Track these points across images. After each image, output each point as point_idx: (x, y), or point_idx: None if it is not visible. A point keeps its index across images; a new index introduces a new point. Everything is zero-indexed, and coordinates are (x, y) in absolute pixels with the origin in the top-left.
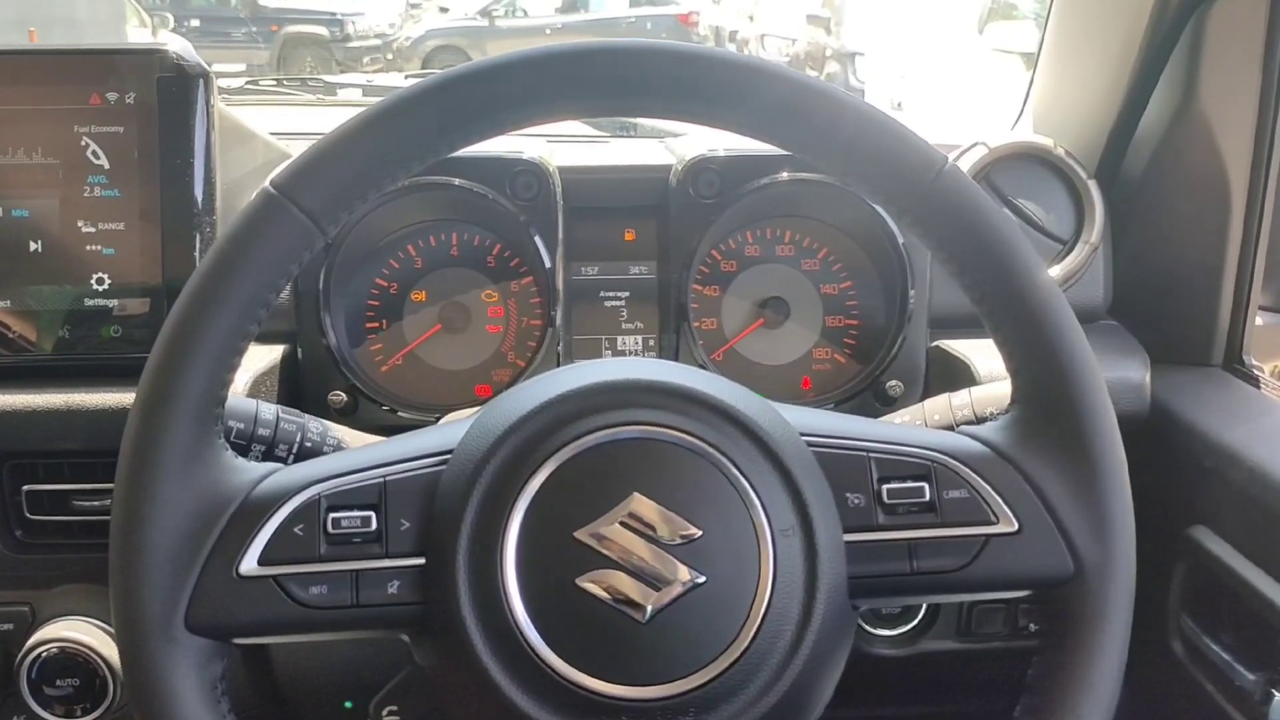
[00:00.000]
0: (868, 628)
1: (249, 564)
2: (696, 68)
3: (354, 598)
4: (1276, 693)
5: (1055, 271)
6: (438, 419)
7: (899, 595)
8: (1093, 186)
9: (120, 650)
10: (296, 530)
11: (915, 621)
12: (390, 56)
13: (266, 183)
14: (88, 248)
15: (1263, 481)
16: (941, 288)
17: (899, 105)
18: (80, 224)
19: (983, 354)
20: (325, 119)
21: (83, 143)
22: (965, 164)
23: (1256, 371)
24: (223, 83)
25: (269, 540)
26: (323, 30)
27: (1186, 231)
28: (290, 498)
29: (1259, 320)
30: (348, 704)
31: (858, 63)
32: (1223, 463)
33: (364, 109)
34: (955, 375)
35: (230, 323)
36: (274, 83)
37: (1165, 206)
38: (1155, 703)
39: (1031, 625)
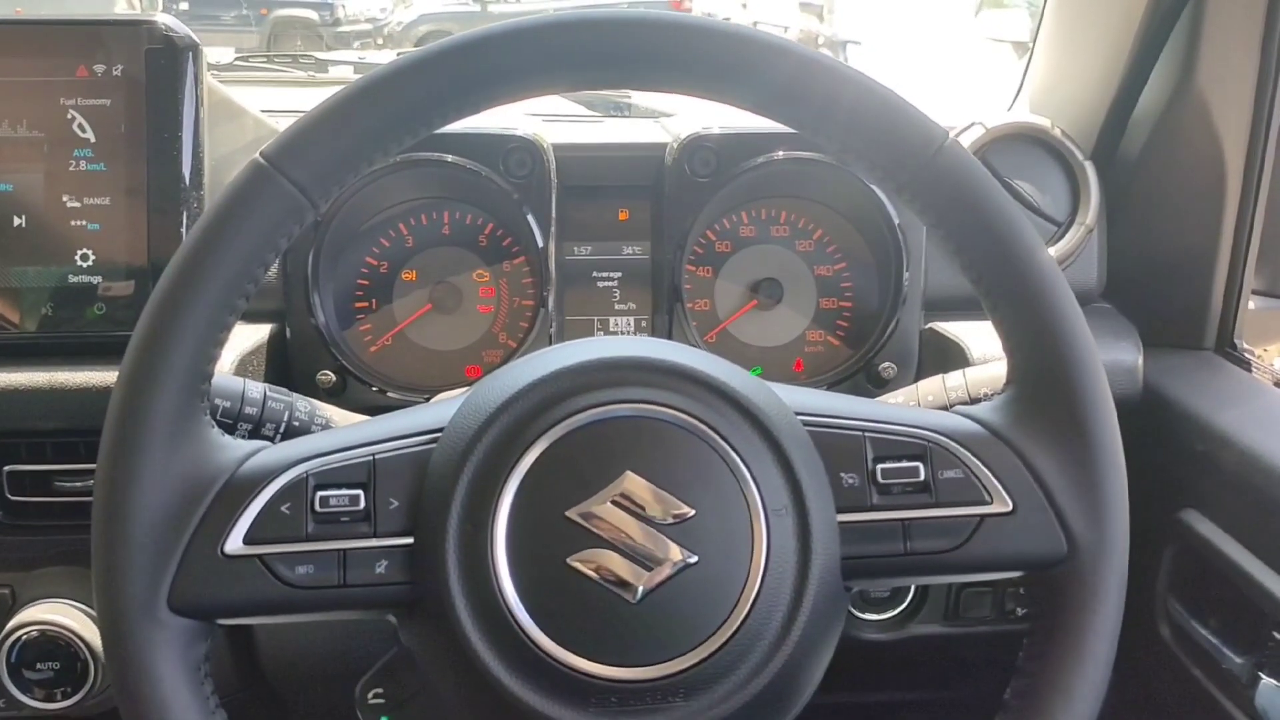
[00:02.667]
0: (856, 612)
1: (234, 543)
2: (696, 40)
3: (341, 577)
4: (1263, 676)
5: (1050, 253)
6: (427, 400)
7: (892, 576)
8: (1089, 168)
9: (102, 632)
10: (283, 509)
11: (903, 605)
12: (381, 41)
13: (256, 154)
14: (72, 223)
15: (1254, 465)
16: (936, 270)
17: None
18: (65, 199)
19: (977, 336)
20: (316, 97)
21: (68, 115)
22: (962, 143)
23: (1248, 355)
24: (212, 61)
25: (255, 519)
26: (313, 14)
27: (1181, 214)
28: (277, 476)
29: (1252, 304)
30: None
31: (850, 51)
32: (1214, 446)
33: (357, 80)
34: (949, 357)
35: (217, 296)
36: (264, 60)
37: (1161, 189)
38: (1142, 686)
39: (1019, 609)
